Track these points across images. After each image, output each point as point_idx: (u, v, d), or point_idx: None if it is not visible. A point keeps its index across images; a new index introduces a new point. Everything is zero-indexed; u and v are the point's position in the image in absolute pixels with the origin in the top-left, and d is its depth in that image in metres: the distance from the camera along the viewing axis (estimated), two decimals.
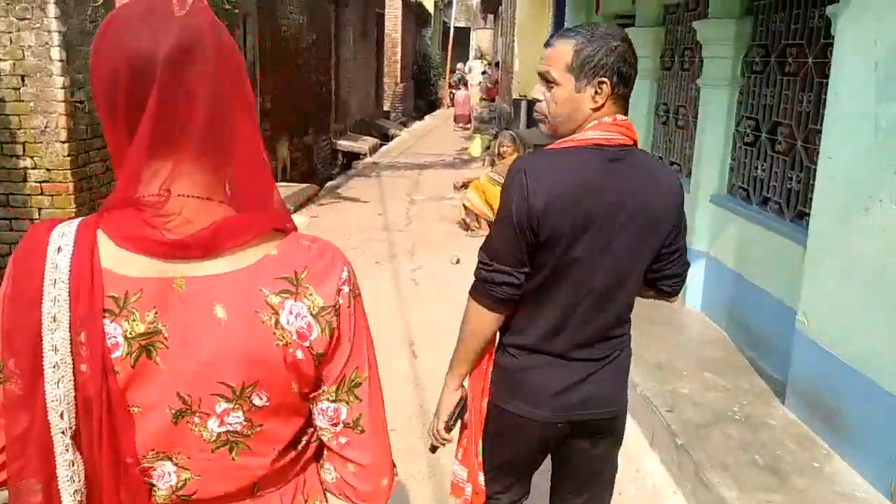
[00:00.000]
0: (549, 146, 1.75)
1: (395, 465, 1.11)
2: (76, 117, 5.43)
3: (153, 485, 0.96)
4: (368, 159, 14.23)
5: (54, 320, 0.88)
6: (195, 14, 0.91)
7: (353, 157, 14.43)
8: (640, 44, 6.03)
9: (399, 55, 22.53)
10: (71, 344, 0.89)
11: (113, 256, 0.91)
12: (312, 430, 1.07)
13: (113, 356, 0.90)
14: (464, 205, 7.89)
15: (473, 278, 1.78)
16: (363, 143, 14.85)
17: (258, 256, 0.94)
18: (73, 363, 0.89)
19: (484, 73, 30.74)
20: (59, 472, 0.91)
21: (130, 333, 0.90)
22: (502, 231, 1.70)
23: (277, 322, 0.93)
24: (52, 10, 5.11)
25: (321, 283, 0.96)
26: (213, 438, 0.95)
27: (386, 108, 21.21)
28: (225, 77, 0.92)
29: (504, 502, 2.00)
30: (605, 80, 1.68)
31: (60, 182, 5.41)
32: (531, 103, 10.54)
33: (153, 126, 0.87)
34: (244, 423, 0.96)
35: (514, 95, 13.51)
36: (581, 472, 1.96)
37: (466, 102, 20.53)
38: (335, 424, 1.03)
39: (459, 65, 29.31)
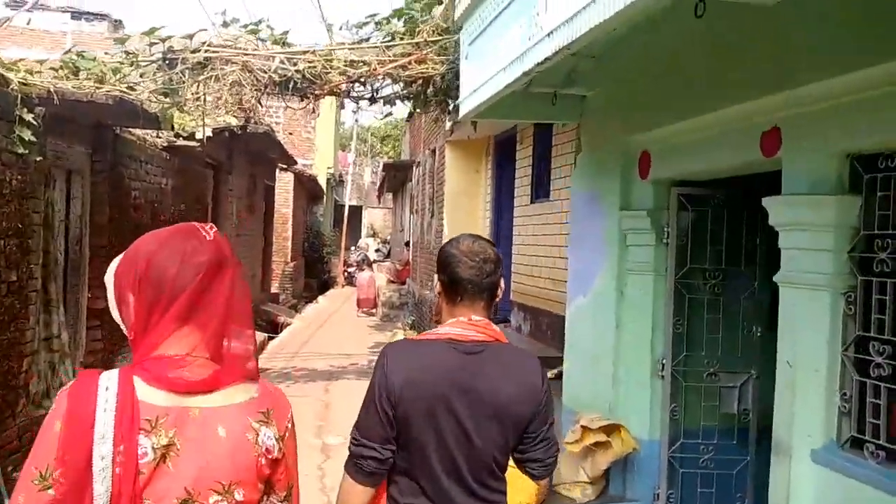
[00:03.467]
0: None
1: None
2: None
3: None
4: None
5: (103, 437, 1.32)
6: (217, 239, 1.48)
7: None
8: (798, 224, 3.23)
9: (290, 231, 19.52)
10: (112, 454, 1.32)
11: (145, 392, 1.38)
12: None
13: (142, 462, 1.35)
14: None
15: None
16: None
17: (245, 398, 1.47)
18: (112, 468, 1.33)
19: (378, 250, 28.55)
20: None
21: (157, 445, 1.36)
22: (367, 408, 1.96)
23: (257, 440, 1.45)
24: None
25: (280, 419, 1.51)
26: None
27: (274, 289, 17.73)
28: (236, 280, 1.47)
29: None
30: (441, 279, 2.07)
31: None
32: None
33: (186, 312, 1.41)
34: None
35: None
36: None
37: (372, 285, 17.52)
38: None
39: (361, 243, 26.79)
